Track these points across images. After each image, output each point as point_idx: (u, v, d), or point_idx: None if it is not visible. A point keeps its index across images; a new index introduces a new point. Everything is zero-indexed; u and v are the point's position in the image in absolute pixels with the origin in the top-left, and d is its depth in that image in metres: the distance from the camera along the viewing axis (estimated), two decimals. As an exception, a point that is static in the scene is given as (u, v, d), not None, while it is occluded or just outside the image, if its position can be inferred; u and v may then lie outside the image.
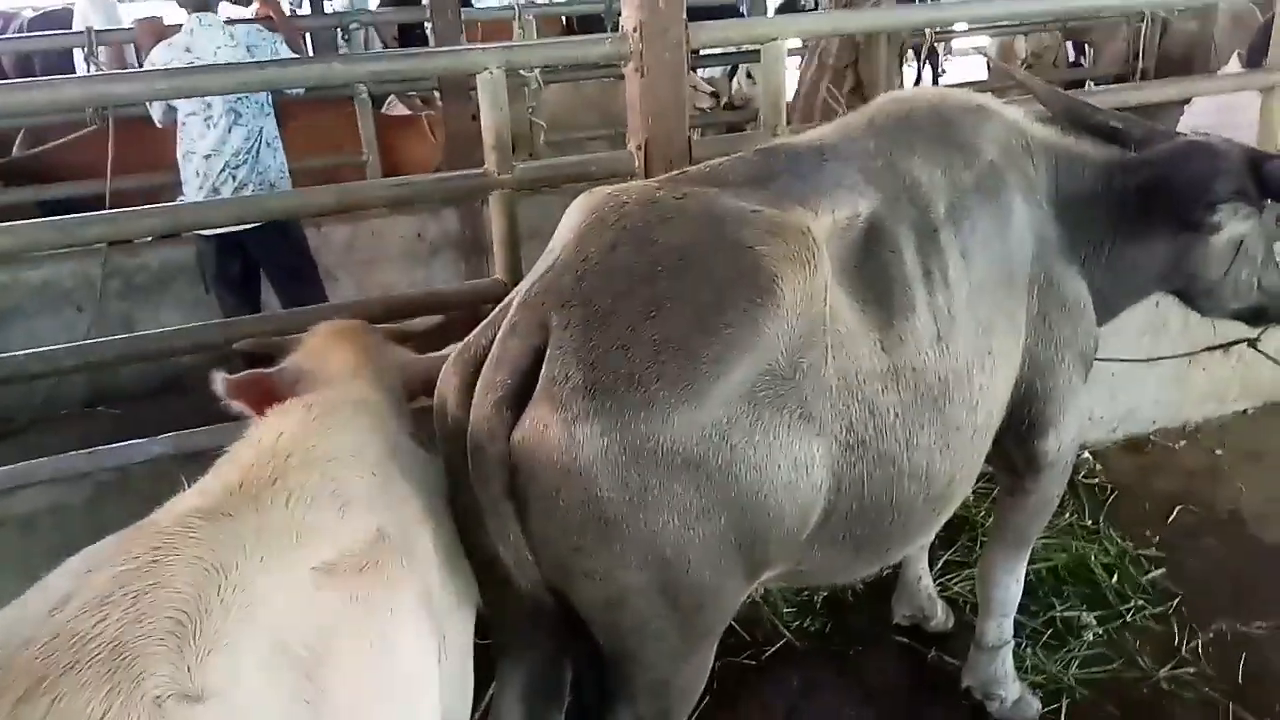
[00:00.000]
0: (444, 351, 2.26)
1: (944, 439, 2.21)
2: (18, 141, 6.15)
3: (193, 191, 4.91)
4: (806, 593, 3.70)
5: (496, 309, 2.01)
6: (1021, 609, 3.12)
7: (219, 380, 2.14)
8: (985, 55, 10.65)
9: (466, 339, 1.98)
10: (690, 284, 1.86)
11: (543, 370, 1.80)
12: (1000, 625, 3.02)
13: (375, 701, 1.52)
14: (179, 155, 4.94)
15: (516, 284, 3.49)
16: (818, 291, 1.95)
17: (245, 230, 4.88)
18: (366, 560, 1.62)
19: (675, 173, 2.37)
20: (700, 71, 8.47)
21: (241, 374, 2.18)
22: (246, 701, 1.29)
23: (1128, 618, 3.54)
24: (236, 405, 2.15)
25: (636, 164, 3.43)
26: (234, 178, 4.88)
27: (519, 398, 1.81)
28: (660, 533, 1.81)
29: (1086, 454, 4.40)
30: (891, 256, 2.17)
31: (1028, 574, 3.07)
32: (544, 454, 1.77)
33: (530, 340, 1.83)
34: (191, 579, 1.35)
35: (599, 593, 1.89)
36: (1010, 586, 2.97)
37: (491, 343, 1.90)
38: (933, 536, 2.77)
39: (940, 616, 3.47)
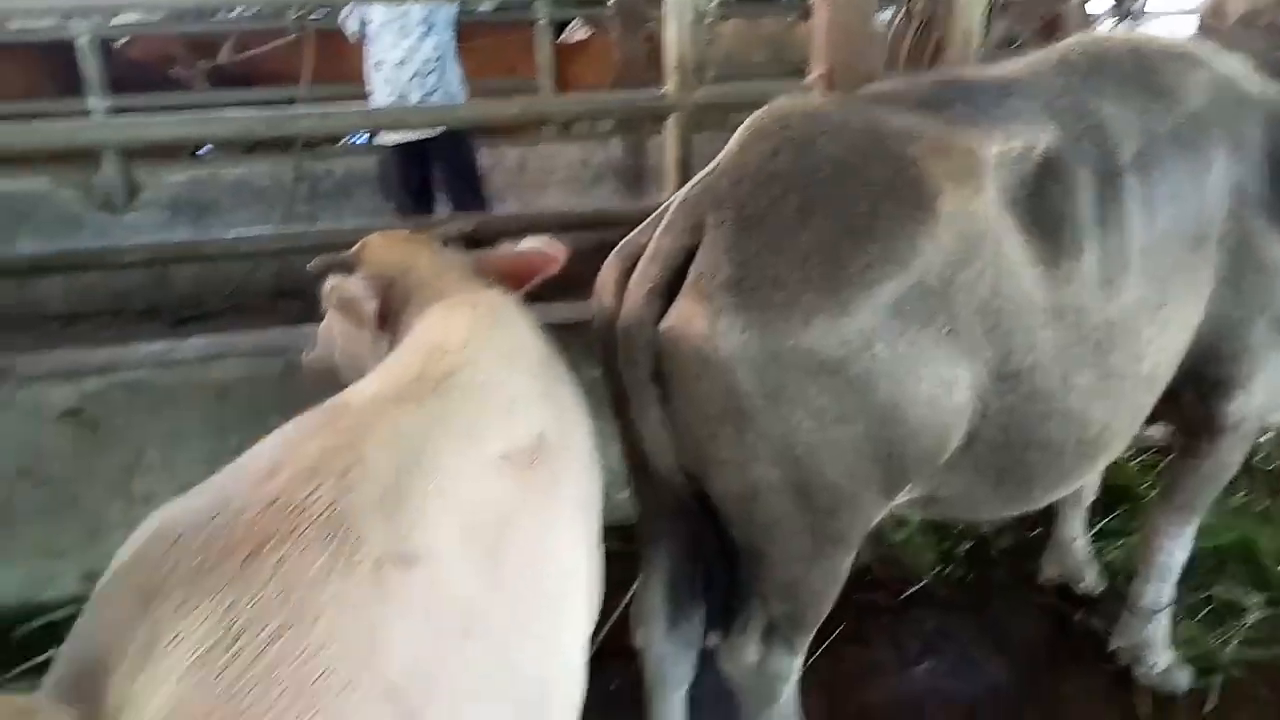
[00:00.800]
0: (494, 250, 2.30)
1: (1103, 385, 2.12)
2: (226, 47, 6.60)
3: (381, 99, 5.22)
4: (949, 542, 3.63)
5: (656, 212, 2.05)
6: (1181, 583, 2.96)
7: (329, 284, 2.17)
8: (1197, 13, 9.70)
9: (627, 236, 2.06)
10: (845, 193, 1.86)
11: (693, 265, 1.85)
12: (1158, 590, 2.89)
13: (538, 595, 1.54)
14: (369, 65, 5.22)
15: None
16: (979, 212, 1.90)
17: (427, 139, 5.20)
18: (533, 456, 1.66)
19: (847, 95, 2.34)
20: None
21: (353, 283, 2.16)
22: (447, 574, 1.33)
23: (1294, 601, 3.32)
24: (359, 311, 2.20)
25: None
26: (423, 85, 5.15)
27: (670, 290, 1.88)
28: (794, 431, 1.84)
29: (1265, 437, 4.09)
30: (1066, 195, 2.07)
31: (1191, 550, 2.91)
32: (687, 343, 1.83)
33: (684, 239, 1.89)
34: (390, 457, 1.39)
35: (733, 483, 1.94)
36: (1174, 553, 2.82)
37: (649, 241, 1.97)
38: (1080, 486, 2.65)
39: (1090, 580, 3.34)
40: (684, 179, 3.45)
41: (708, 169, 2.00)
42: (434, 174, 5.47)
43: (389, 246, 2.29)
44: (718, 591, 2.32)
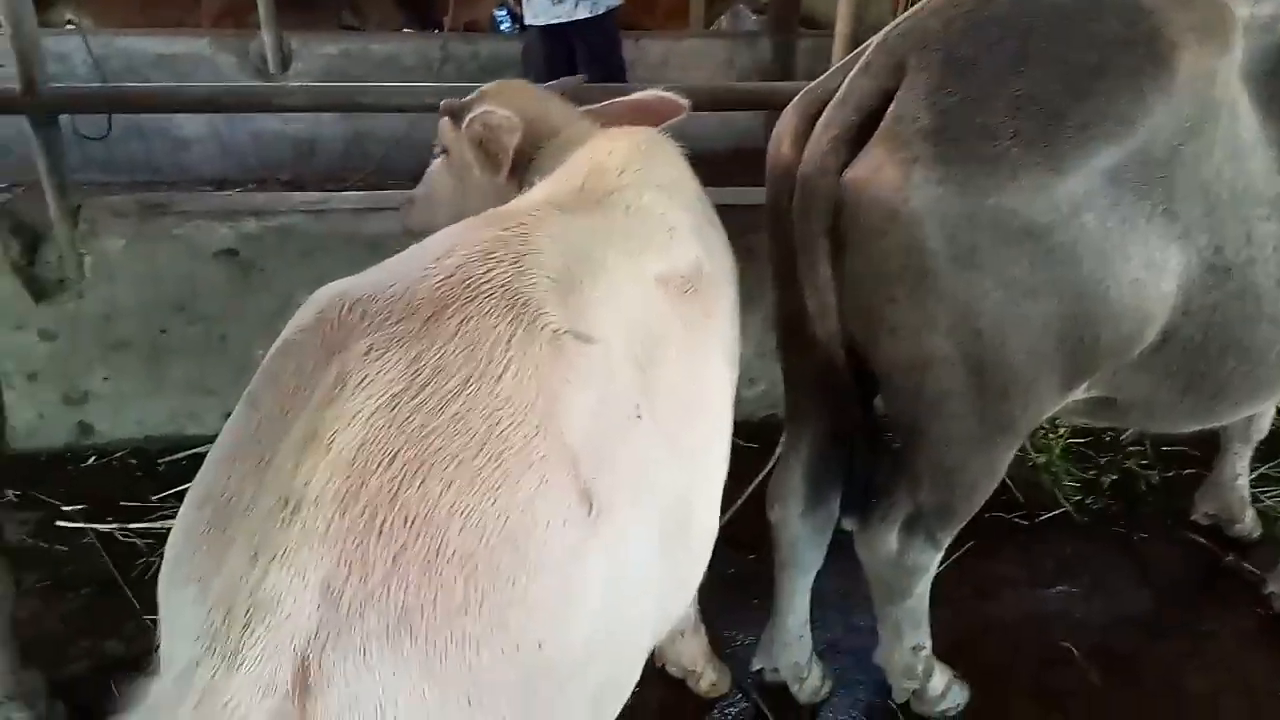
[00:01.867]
0: (606, 105, 2.26)
1: None
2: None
3: None
4: (1093, 470, 3.47)
5: (849, 56, 1.91)
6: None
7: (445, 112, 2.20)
8: None
9: (813, 82, 1.91)
10: (1070, 42, 1.68)
11: (889, 110, 1.71)
12: None
13: (684, 421, 1.50)
14: None
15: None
16: (1221, 74, 1.70)
17: (571, 22, 5.16)
18: (691, 283, 1.62)
19: None
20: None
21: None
22: (617, 364, 1.33)
23: None
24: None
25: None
26: None
27: (859, 137, 1.74)
28: (979, 300, 1.70)
29: None
30: None
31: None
32: (874, 193, 1.70)
33: (881, 80, 1.74)
34: (560, 252, 1.38)
35: (902, 352, 1.82)
36: None
37: (839, 87, 1.82)
38: (1260, 413, 2.43)
39: (1247, 523, 3.13)
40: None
41: (915, 8, 1.84)
42: (578, 58, 5.40)
43: (516, 93, 2.25)
44: (860, 474, 2.23)
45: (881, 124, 1.70)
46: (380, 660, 1.01)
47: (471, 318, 1.19)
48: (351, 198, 3.52)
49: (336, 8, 6.65)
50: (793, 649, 2.50)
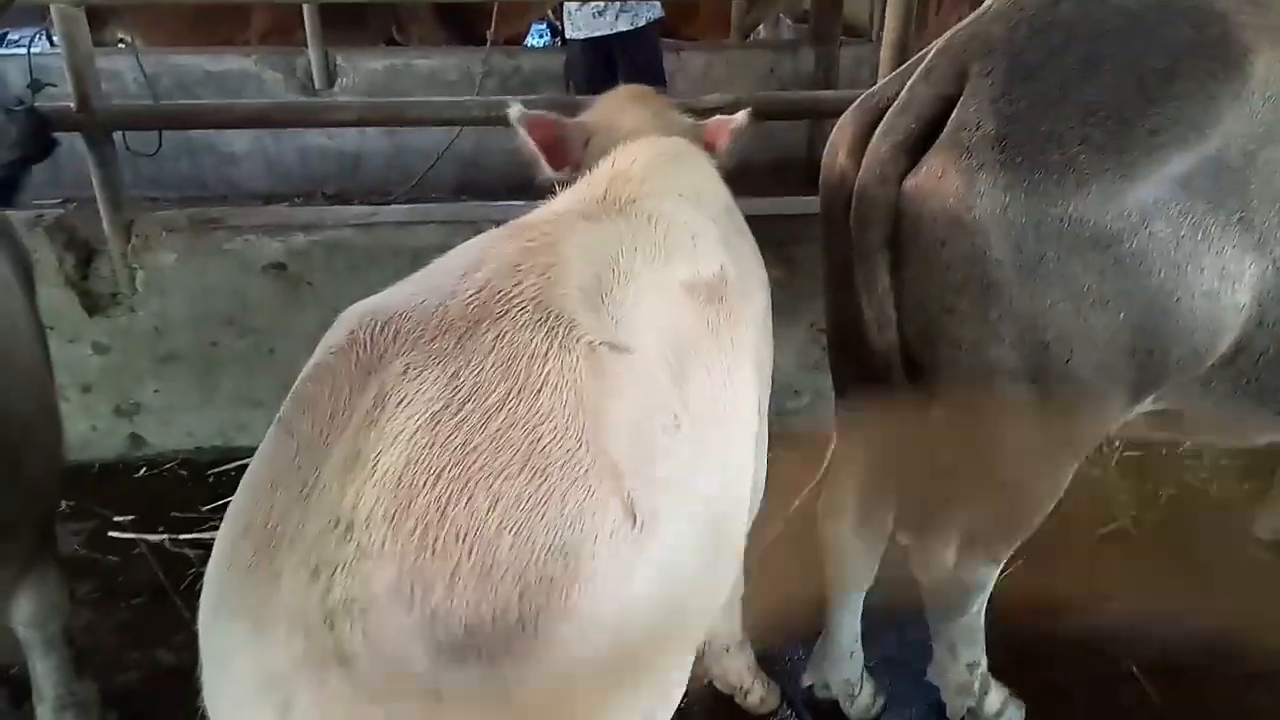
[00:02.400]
0: (731, 117, 2.21)
1: None
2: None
3: (575, 7, 5.18)
4: (1150, 484, 3.38)
5: (908, 64, 1.88)
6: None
7: (515, 109, 2.17)
8: None
9: (872, 89, 1.88)
10: (1140, 46, 1.64)
11: (952, 116, 1.67)
12: None
13: (714, 429, 1.48)
14: None
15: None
16: None
17: (612, 35, 5.19)
18: (716, 291, 1.59)
19: None
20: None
21: (538, 111, 2.20)
22: (649, 376, 1.31)
23: None
24: (524, 138, 2.17)
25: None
26: None
27: (920, 144, 1.71)
28: (1046, 312, 1.66)
29: None
30: None
31: None
32: (937, 201, 1.66)
33: (943, 87, 1.71)
34: (587, 260, 1.38)
35: (963, 364, 1.78)
36: None
37: (898, 92, 1.79)
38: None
39: (1313, 538, 3.04)
40: (899, 61, 3.25)
41: (976, 13, 1.80)
42: (619, 71, 5.41)
43: (619, 99, 2.31)
44: (916, 487, 2.19)
45: (944, 131, 1.67)
46: (436, 663, 1.02)
47: (506, 332, 1.20)
48: (397, 211, 3.53)
49: (382, 24, 6.72)
50: (844, 665, 2.46)
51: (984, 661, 2.38)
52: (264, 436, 1.25)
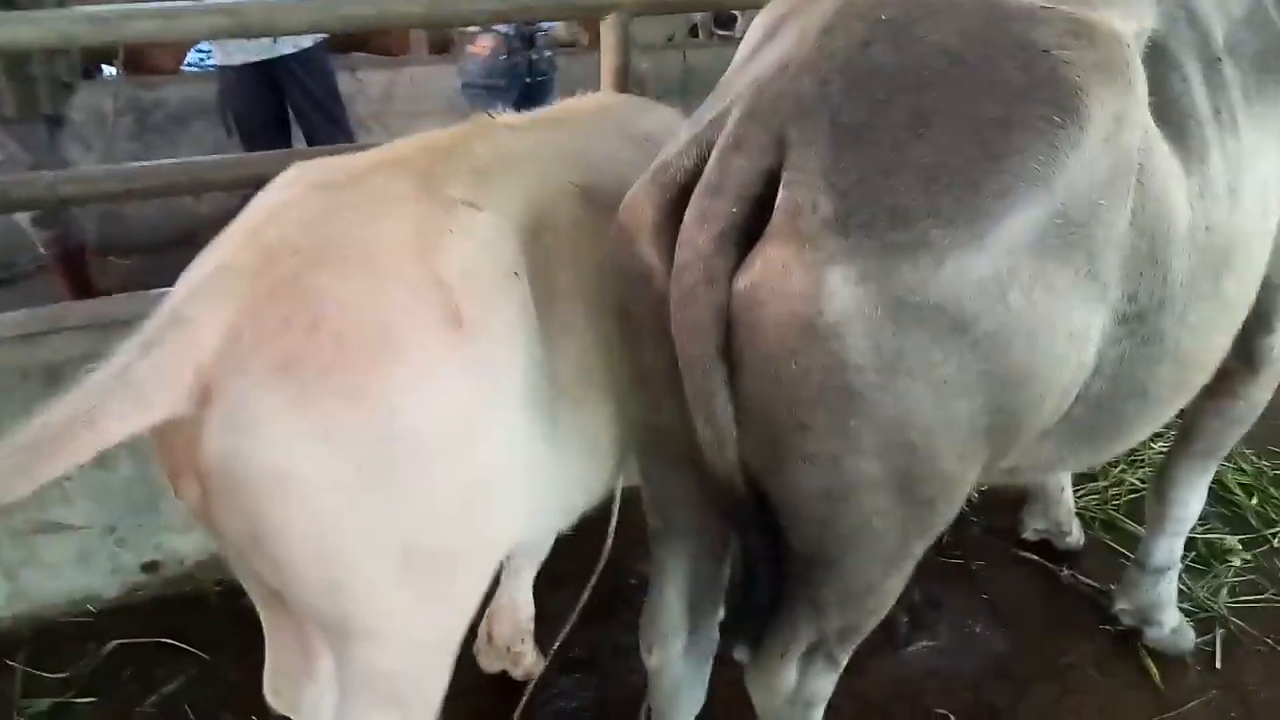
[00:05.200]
0: None
1: (1213, 317, 1.79)
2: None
3: None
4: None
5: (689, 125, 1.55)
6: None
7: None
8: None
9: (661, 159, 1.52)
10: (969, 95, 1.41)
11: (779, 197, 1.35)
12: (1172, 545, 2.68)
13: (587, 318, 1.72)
14: None
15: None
16: (1129, 114, 1.49)
17: (274, 60, 4.48)
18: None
19: None
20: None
21: None
22: (498, 231, 1.59)
23: (1274, 543, 3.22)
24: None
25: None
26: None
27: (745, 232, 1.37)
28: (910, 412, 1.41)
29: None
30: (1183, 86, 1.70)
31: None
32: (781, 304, 1.33)
33: (761, 159, 1.38)
34: (491, 150, 1.74)
35: (817, 482, 1.49)
36: (1191, 504, 2.61)
37: (698, 164, 1.45)
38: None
39: (1075, 533, 3.13)
40: (621, 91, 2.99)
41: (775, 63, 1.48)
42: (287, 99, 4.70)
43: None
44: (752, 602, 1.89)
45: (775, 216, 1.34)
46: (261, 390, 1.30)
47: (392, 181, 1.55)
48: (17, 319, 2.72)
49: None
50: None
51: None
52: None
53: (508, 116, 1.94)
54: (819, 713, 1.97)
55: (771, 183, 1.37)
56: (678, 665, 2.00)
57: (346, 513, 1.36)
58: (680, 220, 1.42)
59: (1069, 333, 1.49)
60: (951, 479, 1.55)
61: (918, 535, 1.65)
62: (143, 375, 1.27)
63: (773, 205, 1.35)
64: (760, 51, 1.58)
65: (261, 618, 1.82)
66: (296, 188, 1.54)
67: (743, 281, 1.35)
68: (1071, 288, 1.46)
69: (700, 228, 1.38)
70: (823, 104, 1.38)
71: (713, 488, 1.56)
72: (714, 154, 1.43)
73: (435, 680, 1.65)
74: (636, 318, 1.55)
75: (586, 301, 1.69)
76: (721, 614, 2.08)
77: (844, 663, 1.91)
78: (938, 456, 1.48)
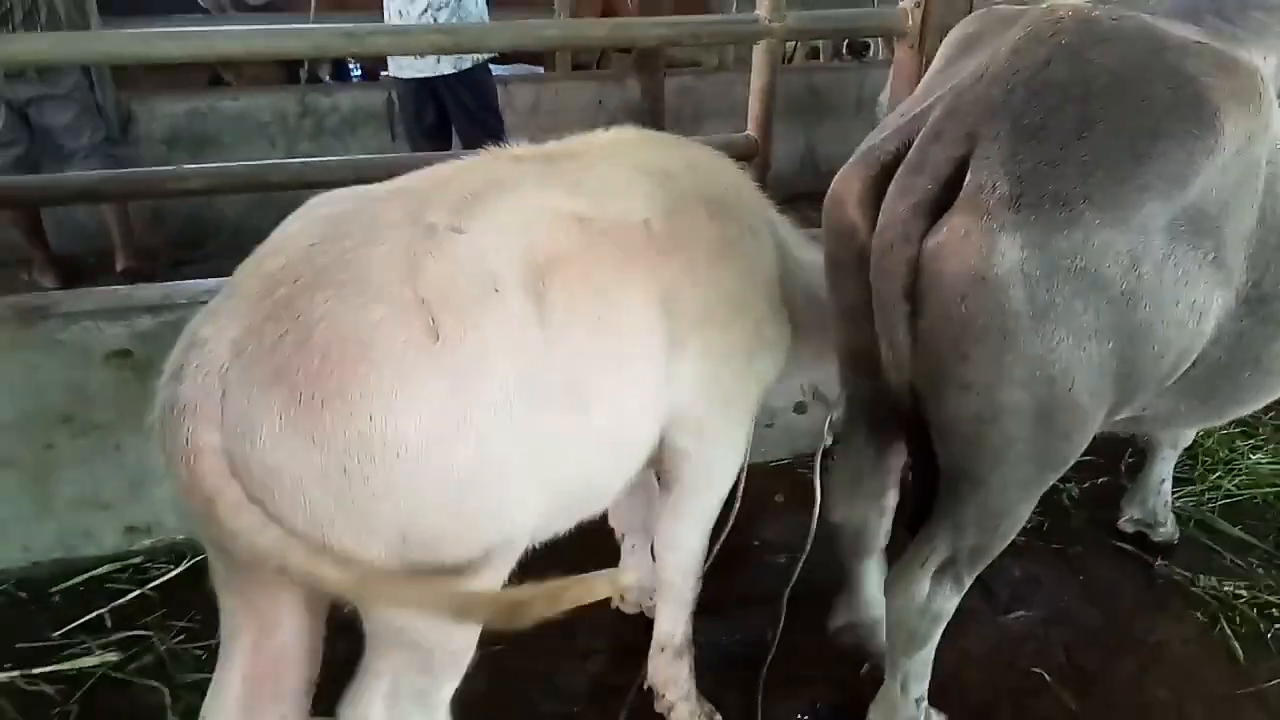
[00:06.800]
0: None
1: None
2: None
3: None
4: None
5: (893, 115, 1.99)
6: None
7: None
8: None
9: (868, 143, 1.97)
10: (1125, 108, 1.80)
11: (967, 179, 1.77)
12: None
13: (590, 332, 1.86)
14: None
15: (767, 139, 3.51)
16: (1258, 134, 1.86)
17: (441, 76, 4.95)
18: (629, 233, 1.99)
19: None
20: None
21: None
22: (478, 251, 1.72)
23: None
24: None
25: (909, 22, 3.28)
26: (435, 19, 4.85)
27: (937, 204, 1.79)
28: (1053, 350, 1.79)
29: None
30: None
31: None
32: (960, 260, 1.75)
33: (955, 149, 1.81)
34: (481, 178, 1.88)
35: (972, 407, 1.89)
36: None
37: (899, 149, 1.89)
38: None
39: (1170, 527, 3.39)
40: (766, 109, 3.40)
41: (971, 74, 1.91)
42: (449, 112, 5.21)
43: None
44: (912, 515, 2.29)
45: (962, 193, 1.77)
46: (261, 392, 1.49)
47: (388, 209, 1.73)
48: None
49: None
50: (875, 608, 2.65)
51: (926, 695, 2.48)
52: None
53: (518, 148, 2.09)
54: (939, 630, 2.33)
55: (961, 168, 1.80)
56: (862, 512, 2.51)
57: (335, 504, 1.53)
58: (880, 192, 1.88)
59: (1191, 303, 1.86)
60: (1083, 413, 1.92)
61: (1050, 465, 2.02)
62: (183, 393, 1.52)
63: (960, 186, 1.78)
64: (957, 62, 2.03)
65: (227, 639, 1.83)
66: (310, 215, 1.74)
67: (932, 241, 1.78)
68: (1198, 268, 1.84)
69: (902, 198, 1.82)
70: (1007, 109, 1.81)
71: (890, 399, 2.01)
72: (917, 142, 1.87)
73: (462, 642, 1.82)
74: (843, 263, 2.00)
75: (582, 312, 1.84)
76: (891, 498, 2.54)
77: (967, 585, 2.26)
78: (1075, 390, 1.86)
